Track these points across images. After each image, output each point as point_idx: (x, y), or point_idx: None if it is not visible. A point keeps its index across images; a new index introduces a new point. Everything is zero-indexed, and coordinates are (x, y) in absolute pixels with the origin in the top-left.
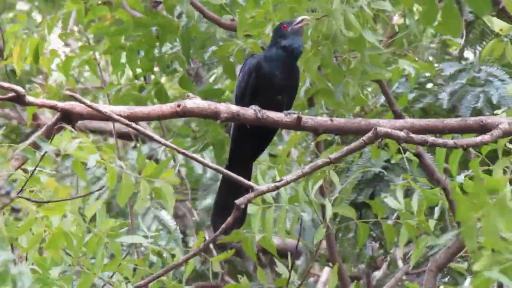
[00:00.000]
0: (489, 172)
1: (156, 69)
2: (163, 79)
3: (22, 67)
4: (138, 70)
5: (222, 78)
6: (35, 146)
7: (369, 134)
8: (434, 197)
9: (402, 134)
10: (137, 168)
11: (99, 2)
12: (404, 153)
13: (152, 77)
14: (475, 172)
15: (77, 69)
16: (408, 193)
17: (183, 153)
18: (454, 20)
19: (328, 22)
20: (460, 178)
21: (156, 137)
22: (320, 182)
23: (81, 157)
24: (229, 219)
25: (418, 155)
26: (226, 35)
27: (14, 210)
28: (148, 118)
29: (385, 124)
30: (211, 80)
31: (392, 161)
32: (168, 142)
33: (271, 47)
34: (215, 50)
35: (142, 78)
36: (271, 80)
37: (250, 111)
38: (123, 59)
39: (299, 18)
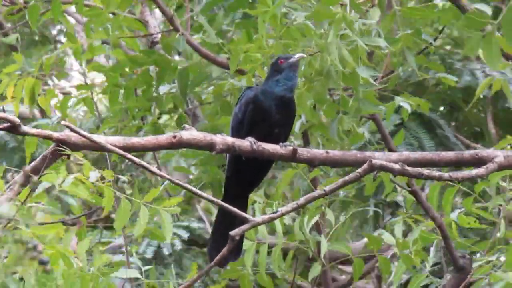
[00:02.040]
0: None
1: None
2: (162, 119)
3: (18, 109)
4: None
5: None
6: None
7: (365, 166)
8: (430, 237)
9: (396, 166)
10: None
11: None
12: (400, 190)
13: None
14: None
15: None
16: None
17: (176, 183)
18: None
19: (321, 58)
20: (454, 216)
21: (152, 168)
22: (316, 218)
23: (76, 193)
24: (224, 250)
25: (413, 192)
26: (222, 73)
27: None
28: (144, 148)
29: (380, 157)
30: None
31: (388, 199)
32: (162, 173)
33: (268, 81)
34: (211, 90)
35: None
36: (268, 114)
37: (246, 143)
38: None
39: (297, 55)
